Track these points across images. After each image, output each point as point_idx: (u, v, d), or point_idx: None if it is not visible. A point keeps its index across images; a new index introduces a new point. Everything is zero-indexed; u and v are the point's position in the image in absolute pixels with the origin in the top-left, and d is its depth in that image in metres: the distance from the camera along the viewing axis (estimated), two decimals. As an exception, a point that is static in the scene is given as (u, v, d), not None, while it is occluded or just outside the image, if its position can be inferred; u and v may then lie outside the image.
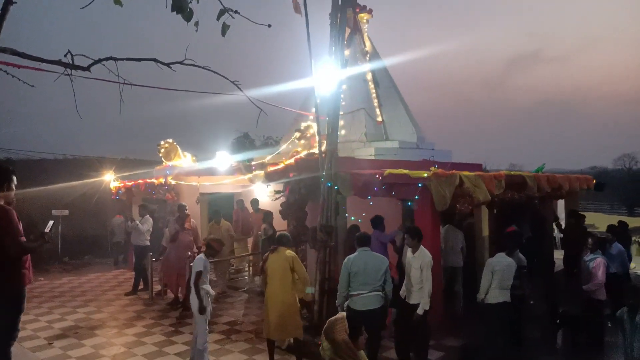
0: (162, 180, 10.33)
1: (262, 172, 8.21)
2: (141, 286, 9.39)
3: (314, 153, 7.66)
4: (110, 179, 12.17)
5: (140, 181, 11.16)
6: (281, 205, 7.77)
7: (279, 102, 7.08)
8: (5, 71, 3.91)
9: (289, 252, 5.59)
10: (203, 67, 5.11)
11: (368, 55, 12.17)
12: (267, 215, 9.02)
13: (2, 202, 4.00)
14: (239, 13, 3.02)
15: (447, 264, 7.29)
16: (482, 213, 8.04)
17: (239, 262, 10.69)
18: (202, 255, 5.77)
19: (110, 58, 4.34)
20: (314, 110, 12.35)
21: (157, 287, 9.07)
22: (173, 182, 10.27)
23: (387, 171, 6.50)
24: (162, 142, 10.60)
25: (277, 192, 8.35)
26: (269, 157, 8.63)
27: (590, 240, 6.82)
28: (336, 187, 7.03)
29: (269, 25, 3.28)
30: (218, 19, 3.00)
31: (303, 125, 7.85)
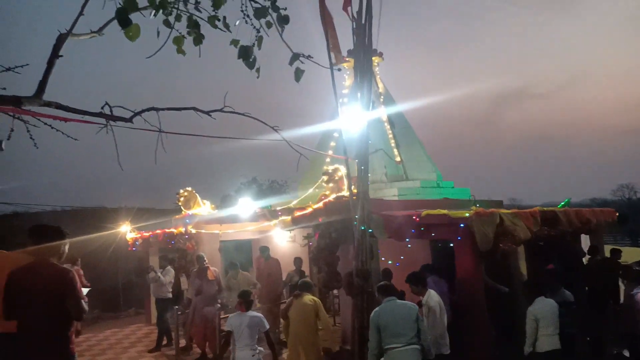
0: (182, 230, 10.12)
1: (288, 218, 8.04)
2: (165, 341, 8.99)
3: (343, 196, 7.51)
4: (126, 230, 11.97)
5: (158, 231, 10.95)
6: (311, 250, 7.55)
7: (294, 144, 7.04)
8: (50, 125, 3.84)
9: (313, 298, 5.77)
10: (242, 114, 5.07)
11: (382, 97, 12.28)
12: (297, 261, 8.76)
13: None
14: (311, 58, 2.95)
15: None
16: (519, 251, 7.79)
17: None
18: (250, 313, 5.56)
19: (152, 109, 4.29)
20: (329, 151, 12.31)
21: (182, 342, 8.68)
22: (193, 231, 10.06)
23: (425, 212, 6.33)
24: (182, 191, 10.48)
25: (306, 237, 8.14)
26: (295, 201, 8.48)
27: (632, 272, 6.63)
28: (370, 230, 6.84)
29: (339, 69, 3.17)
30: (291, 63, 2.92)
31: (331, 168, 7.74)
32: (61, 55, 3.78)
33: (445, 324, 5.51)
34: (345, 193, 7.58)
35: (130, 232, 11.96)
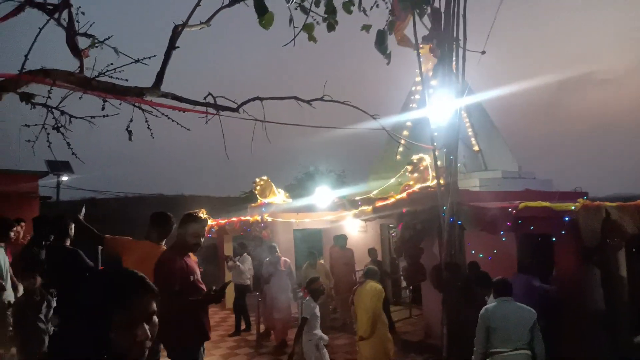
0: (258, 218, 10.28)
1: (369, 208, 7.93)
2: (243, 326, 9.21)
3: (428, 186, 7.30)
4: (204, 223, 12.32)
5: (234, 219, 11.19)
6: (394, 242, 7.41)
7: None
8: (167, 116, 3.91)
9: (376, 286, 5.62)
10: (342, 102, 4.98)
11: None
12: (372, 252, 8.64)
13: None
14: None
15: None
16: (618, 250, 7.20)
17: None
18: (309, 300, 5.64)
19: (257, 98, 4.29)
20: (401, 141, 12.02)
21: (262, 327, 8.85)
22: (269, 219, 10.19)
23: (523, 204, 6.00)
24: (258, 180, 10.63)
25: (390, 228, 8.00)
26: (375, 191, 8.35)
27: None
28: (459, 222, 6.60)
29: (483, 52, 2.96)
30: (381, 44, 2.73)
31: (415, 157, 7.53)
32: (177, 47, 3.83)
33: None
34: (431, 183, 7.37)
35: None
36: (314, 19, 2.98)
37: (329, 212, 8.73)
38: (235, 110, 4.20)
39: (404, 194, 7.37)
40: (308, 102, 4.66)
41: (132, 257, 3.90)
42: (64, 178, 16.17)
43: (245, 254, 9.66)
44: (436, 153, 6.97)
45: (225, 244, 12.31)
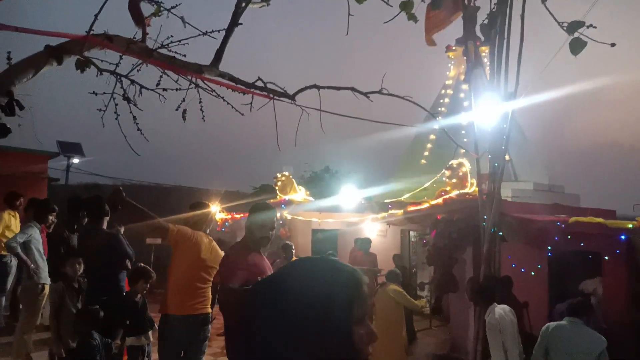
0: (278, 215, 9.96)
1: (400, 212, 7.60)
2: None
3: (466, 193, 6.96)
4: (215, 211, 12.01)
5: (251, 214, 10.88)
6: (428, 249, 7.07)
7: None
8: (223, 98, 3.58)
9: (395, 287, 5.59)
10: (402, 97, 4.65)
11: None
12: (396, 257, 8.30)
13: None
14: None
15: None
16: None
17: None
18: None
19: (314, 86, 3.97)
20: (427, 145, 11.71)
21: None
22: (289, 217, 9.87)
23: (574, 219, 5.67)
24: (279, 175, 10.31)
25: (422, 235, 7.67)
26: (407, 195, 8.01)
27: None
28: (500, 233, 6.26)
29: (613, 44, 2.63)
30: (572, 32, 2.41)
31: (455, 162, 7.19)
32: (241, 23, 3.52)
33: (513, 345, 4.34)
34: (469, 190, 7.04)
35: (220, 212, 12.00)
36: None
37: (355, 214, 8.40)
38: (292, 97, 3.89)
39: (440, 200, 7.03)
40: (365, 94, 4.34)
41: (194, 247, 3.62)
42: (75, 160, 15.86)
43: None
44: (478, 159, 6.64)
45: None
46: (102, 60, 2.38)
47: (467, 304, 6.85)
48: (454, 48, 12.12)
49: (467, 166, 7.08)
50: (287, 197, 10.08)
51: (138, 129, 2.40)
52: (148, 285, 4.02)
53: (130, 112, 2.37)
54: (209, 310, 3.72)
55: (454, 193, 6.98)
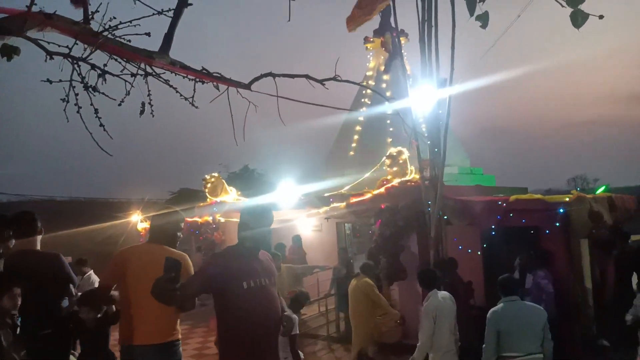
0: (209, 219, 9.42)
1: (342, 205, 7.50)
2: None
3: (408, 180, 7.02)
4: (137, 220, 11.12)
5: (178, 220, 10.18)
6: (375, 240, 7.03)
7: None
8: (176, 89, 3.15)
9: (366, 281, 5.69)
10: (357, 84, 4.52)
11: (410, 80, 11.78)
12: (342, 252, 8.21)
13: None
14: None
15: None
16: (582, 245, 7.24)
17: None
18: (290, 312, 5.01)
19: (269, 74, 3.69)
20: (354, 137, 11.75)
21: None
22: (222, 220, 9.37)
23: (514, 197, 5.92)
24: (208, 177, 9.74)
25: (358, 226, 7.63)
26: (347, 187, 7.92)
27: None
28: (445, 217, 6.39)
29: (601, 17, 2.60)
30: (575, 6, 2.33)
31: (394, 150, 7.21)
32: (191, 4, 3.12)
33: (447, 331, 4.55)
34: (409, 177, 7.11)
35: (142, 221, 11.11)
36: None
37: (295, 210, 8.15)
38: (247, 86, 3.56)
39: (383, 189, 7.03)
40: (320, 81, 4.13)
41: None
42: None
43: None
44: (415, 146, 6.73)
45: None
46: (49, 43, 1.89)
47: (416, 290, 6.94)
48: (371, 39, 12.28)
49: (406, 154, 7.14)
50: (218, 199, 9.56)
51: (100, 125, 1.95)
52: (99, 315, 3.38)
53: (91, 104, 1.91)
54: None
55: (395, 181, 7.01)
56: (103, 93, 1.95)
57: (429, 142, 6.60)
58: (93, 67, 1.95)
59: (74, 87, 1.86)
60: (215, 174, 9.82)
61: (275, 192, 8.59)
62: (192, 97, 3.30)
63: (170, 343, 3.10)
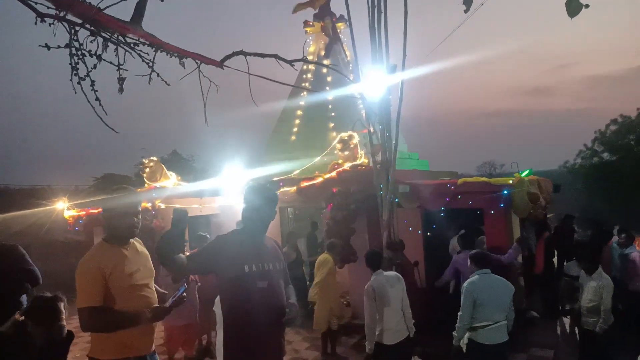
0: (148, 205, 8.95)
1: (293, 189, 7.45)
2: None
3: (359, 165, 7.12)
4: (63, 207, 10.28)
5: (111, 208, 9.55)
6: (327, 223, 7.08)
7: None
8: (148, 63, 2.94)
9: (327, 256, 6.37)
10: (325, 66, 4.50)
11: (350, 66, 11.89)
12: (291, 236, 8.18)
13: None
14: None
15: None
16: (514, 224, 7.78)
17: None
18: None
19: (240, 52, 3.59)
20: (296, 121, 11.69)
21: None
22: (162, 206, 8.95)
23: (462, 180, 6.22)
24: (146, 161, 9.21)
25: (308, 210, 7.63)
26: (297, 171, 7.86)
27: (622, 235, 7.09)
28: (396, 200, 6.57)
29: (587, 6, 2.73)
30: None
31: (345, 135, 7.26)
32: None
33: (394, 310, 4.60)
34: (359, 161, 7.21)
35: (68, 209, 10.30)
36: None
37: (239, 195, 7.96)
38: (220, 64, 3.42)
39: (334, 173, 7.08)
40: (290, 62, 4.07)
41: None
42: None
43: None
44: (371, 130, 6.82)
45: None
46: (36, 4, 1.65)
47: (366, 272, 7.11)
48: (311, 23, 12.20)
49: (356, 138, 7.22)
50: (157, 185, 9.09)
51: (97, 99, 1.75)
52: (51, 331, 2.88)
53: (87, 75, 1.70)
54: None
55: (347, 165, 7.08)
56: (111, 62, 1.74)
57: (380, 127, 6.71)
58: (93, 32, 1.74)
59: (80, 54, 1.64)
60: (154, 158, 9.31)
61: (221, 176, 8.34)
62: (151, 72, 3.11)
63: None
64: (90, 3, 2.30)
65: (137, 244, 3.01)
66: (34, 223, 10.59)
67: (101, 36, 1.95)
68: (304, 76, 12.03)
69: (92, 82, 1.74)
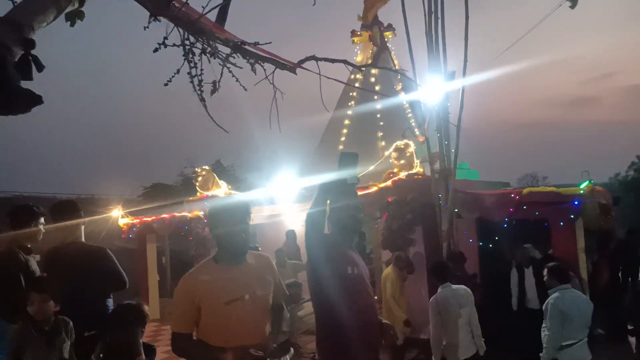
0: (200, 214, 9.07)
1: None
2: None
3: (415, 173, 6.97)
4: (117, 215, 10.57)
5: (165, 215, 9.76)
6: (382, 233, 6.94)
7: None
8: (229, 68, 2.93)
9: (388, 270, 5.95)
10: (395, 71, 4.42)
11: (399, 75, 11.77)
12: (290, 234, 8.13)
13: None
14: None
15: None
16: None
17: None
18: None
19: (313, 58, 3.55)
20: (343, 130, 11.63)
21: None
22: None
23: (527, 189, 5.97)
24: (199, 170, 9.37)
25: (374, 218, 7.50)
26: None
27: None
28: (455, 210, 6.37)
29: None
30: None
31: (401, 143, 7.13)
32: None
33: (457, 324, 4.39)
34: (415, 170, 7.06)
35: (123, 217, 10.58)
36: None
37: (296, 204, 7.94)
38: (293, 69, 3.39)
39: (389, 182, 6.95)
40: (359, 67, 4.04)
41: None
42: None
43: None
44: (427, 138, 6.67)
45: (149, 244, 10.74)
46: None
47: (423, 284, 6.90)
48: (359, 33, 12.19)
49: (412, 147, 7.09)
50: (209, 194, 9.21)
51: (202, 99, 1.72)
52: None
53: (197, 75, 1.67)
54: None
55: (402, 174, 6.94)
56: (233, 64, 1.71)
57: (438, 135, 6.55)
58: (205, 40, 1.71)
59: (193, 53, 1.62)
60: (207, 167, 9.47)
61: (273, 185, 8.36)
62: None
63: None
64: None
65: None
66: (92, 230, 10.92)
67: (201, 40, 1.93)
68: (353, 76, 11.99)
69: (200, 80, 1.71)
